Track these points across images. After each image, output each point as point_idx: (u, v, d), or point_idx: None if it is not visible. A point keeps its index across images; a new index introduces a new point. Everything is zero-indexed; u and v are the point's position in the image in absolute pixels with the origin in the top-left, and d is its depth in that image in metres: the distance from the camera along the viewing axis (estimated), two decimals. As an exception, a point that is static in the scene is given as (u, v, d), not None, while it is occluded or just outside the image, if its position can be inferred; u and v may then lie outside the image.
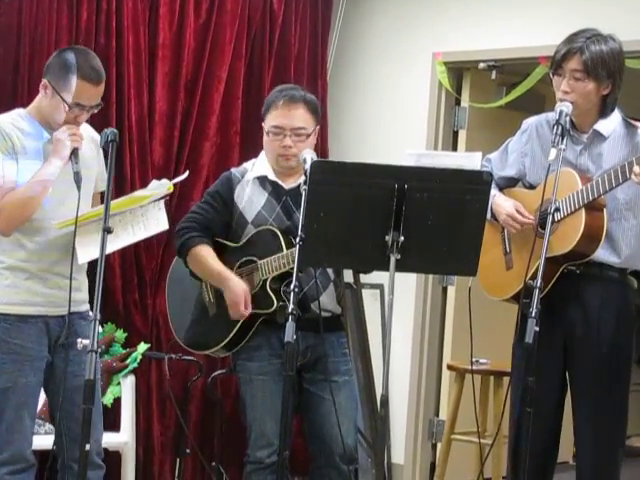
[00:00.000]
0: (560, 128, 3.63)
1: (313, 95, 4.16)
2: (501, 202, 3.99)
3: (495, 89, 6.17)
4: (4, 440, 3.72)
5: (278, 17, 6.03)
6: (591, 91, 3.79)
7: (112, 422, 5.09)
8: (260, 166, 4.12)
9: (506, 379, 4.82)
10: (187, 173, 4.10)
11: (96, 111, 3.80)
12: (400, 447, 6.21)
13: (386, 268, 3.38)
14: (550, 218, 3.53)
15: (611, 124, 3.86)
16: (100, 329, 5.09)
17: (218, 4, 5.77)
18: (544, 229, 3.57)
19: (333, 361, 4.06)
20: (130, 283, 5.51)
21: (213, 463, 5.53)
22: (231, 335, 4.06)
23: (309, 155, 3.80)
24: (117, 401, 5.21)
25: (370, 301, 6.29)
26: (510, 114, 5.96)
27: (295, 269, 3.49)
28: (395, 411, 6.14)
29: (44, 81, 3.74)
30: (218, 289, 4.13)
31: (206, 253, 4.05)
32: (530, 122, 4.07)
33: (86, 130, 3.84)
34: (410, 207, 3.36)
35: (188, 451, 5.49)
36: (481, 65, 6.01)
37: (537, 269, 3.49)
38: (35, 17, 5.13)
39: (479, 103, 6.12)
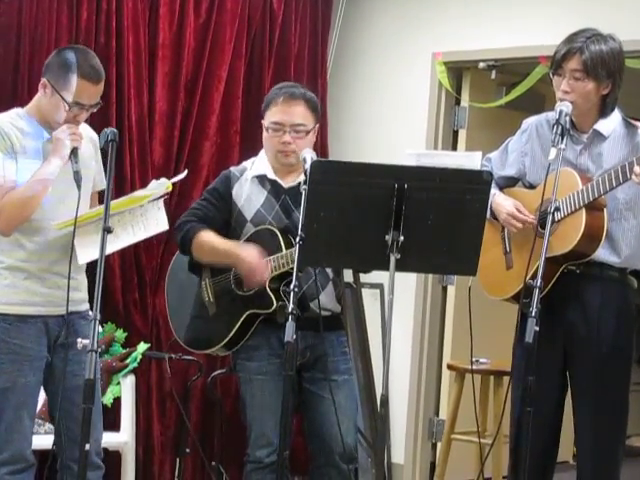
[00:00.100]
0: (560, 128, 3.63)
1: (313, 93, 4.16)
2: (501, 201, 3.99)
3: (495, 89, 6.17)
4: (4, 440, 3.71)
5: (278, 17, 6.03)
6: (591, 91, 3.79)
7: (112, 422, 5.09)
8: (259, 165, 4.13)
9: (506, 379, 4.82)
10: (186, 172, 4.09)
11: (95, 110, 3.80)
12: (400, 447, 6.21)
13: (386, 268, 3.38)
14: (550, 218, 3.53)
15: (611, 124, 3.86)
16: (100, 329, 5.08)
17: (218, 4, 5.77)
18: (544, 229, 3.57)
19: (333, 360, 4.06)
20: (130, 283, 5.51)
21: (213, 463, 5.54)
22: (231, 334, 4.07)
23: (309, 155, 3.80)
24: (117, 401, 5.21)
25: (370, 301, 6.29)
26: (510, 114, 5.96)
27: (295, 269, 3.49)
28: (395, 411, 6.14)
29: (43, 80, 3.74)
30: (217, 288, 4.14)
31: (209, 236, 4.05)
32: (530, 122, 4.07)
33: (84, 129, 3.84)
34: (410, 207, 3.36)
35: (188, 451, 5.49)
36: (481, 65, 6.01)
37: (537, 269, 3.49)
38: (35, 17, 5.13)
39: (479, 103, 6.12)
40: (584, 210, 3.75)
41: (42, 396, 3.92)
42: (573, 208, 3.77)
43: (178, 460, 5.51)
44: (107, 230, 3.36)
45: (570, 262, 3.83)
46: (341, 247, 3.48)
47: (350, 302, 6.02)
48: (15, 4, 5.10)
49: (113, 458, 5.01)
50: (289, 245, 3.95)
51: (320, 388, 4.04)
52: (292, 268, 3.63)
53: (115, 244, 3.75)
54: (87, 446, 3.21)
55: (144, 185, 4.34)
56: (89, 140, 3.85)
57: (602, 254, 3.81)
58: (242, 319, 4.05)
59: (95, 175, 3.91)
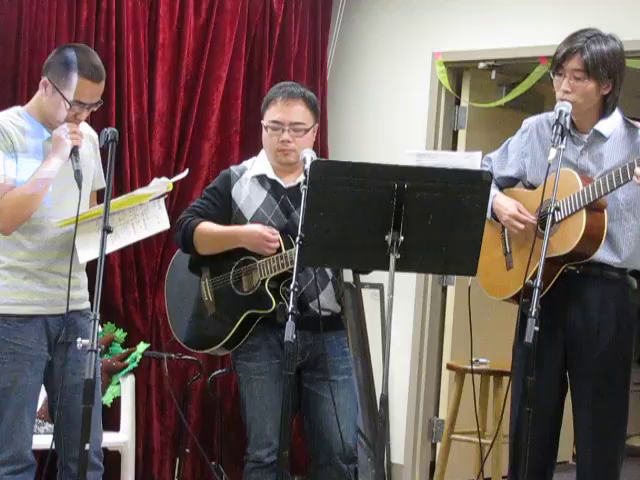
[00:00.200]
0: (560, 128, 3.63)
1: (313, 92, 4.17)
2: (502, 202, 3.99)
3: (495, 89, 6.18)
4: (4, 440, 3.71)
5: (278, 17, 6.03)
6: (591, 91, 3.79)
7: (112, 422, 5.09)
8: (260, 164, 4.13)
9: (506, 379, 4.83)
10: (187, 171, 4.09)
11: (96, 109, 3.80)
12: (400, 447, 6.21)
13: (386, 268, 3.38)
14: (550, 218, 3.53)
15: (612, 124, 3.86)
16: (100, 328, 5.08)
17: (218, 4, 5.77)
18: (544, 229, 3.57)
19: (332, 360, 4.05)
20: (130, 282, 5.52)
21: (213, 462, 5.54)
22: (230, 334, 4.07)
23: (309, 154, 3.80)
24: (117, 401, 5.21)
25: (370, 301, 6.29)
26: (510, 114, 5.97)
27: (295, 269, 3.49)
28: (395, 411, 6.14)
29: (44, 79, 3.73)
30: (217, 288, 4.13)
31: (209, 225, 4.05)
32: (530, 122, 4.07)
33: (84, 128, 3.83)
34: (410, 207, 3.35)
35: (188, 451, 5.49)
36: (481, 65, 6.01)
37: (537, 269, 3.49)
38: (35, 17, 5.13)
39: (479, 103, 6.12)
40: (585, 211, 3.75)
41: (42, 396, 3.92)
42: (574, 209, 3.77)
43: (178, 460, 5.51)
44: (107, 230, 3.36)
45: (570, 262, 3.83)
46: (341, 247, 3.47)
47: (350, 302, 6.02)
48: (15, 4, 5.10)
49: (113, 458, 5.01)
50: (289, 245, 3.95)
51: (320, 388, 4.04)
52: (291, 268, 3.62)
53: (116, 243, 3.75)
54: (87, 446, 3.20)
55: (143, 185, 4.34)
56: (89, 139, 3.85)
57: (602, 254, 3.81)
58: (241, 319, 4.05)
59: (95, 174, 3.91)
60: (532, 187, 4.01)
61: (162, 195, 3.83)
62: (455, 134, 6.27)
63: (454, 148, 6.23)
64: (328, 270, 4.07)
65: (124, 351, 5.32)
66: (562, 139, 3.61)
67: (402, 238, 3.36)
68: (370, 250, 3.44)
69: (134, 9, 5.47)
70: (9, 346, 3.71)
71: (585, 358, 3.85)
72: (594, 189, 3.73)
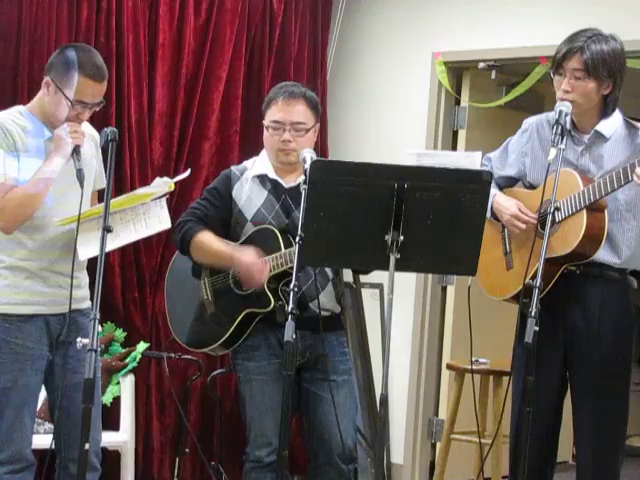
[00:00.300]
0: (560, 128, 3.63)
1: (314, 92, 4.17)
2: (503, 202, 3.98)
3: (495, 89, 6.17)
4: (4, 439, 3.71)
5: (278, 17, 6.03)
6: (592, 91, 3.79)
7: (111, 421, 5.09)
8: (260, 164, 4.13)
9: (506, 379, 4.82)
10: (189, 171, 4.09)
11: (98, 109, 3.80)
12: (400, 447, 6.21)
13: (386, 267, 3.38)
14: (550, 218, 3.53)
15: (612, 125, 3.86)
16: (100, 328, 5.08)
17: (218, 4, 5.77)
18: (544, 229, 3.57)
19: (332, 360, 4.06)
20: (130, 282, 5.52)
21: (212, 462, 5.53)
22: (228, 333, 4.07)
23: (309, 154, 3.80)
24: (116, 400, 5.21)
25: (370, 300, 6.29)
26: (510, 114, 5.97)
27: (295, 268, 3.49)
28: (395, 411, 6.14)
29: (46, 79, 3.73)
30: (216, 287, 4.14)
31: (208, 238, 4.05)
32: (531, 122, 4.06)
33: (86, 128, 3.83)
34: (410, 206, 3.35)
35: (187, 450, 5.49)
36: (481, 65, 6.01)
37: (537, 269, 3.49)
38: (35, 16, 5.13)
39: (479, 103, 6.12)
40: (585, 211, 3.75)
41: (42, 395, 3.92)
42: (574, 209, 3.77)
43: (177, 459, 5.51)
44: (107, 229, 3.36)
45: (570, 263, 3.83)
46: (341, 247, 3.47)
47: (350, 302, 6.02)
48: (15, 3, 5.10)
49: (112, 457, 5.01)
50: (288, 245, 3.95)
51: (320, 388, 4.04)
52: (291, 267, 3.62)
53: (116, 241, 3.75)
54: (87, 445, 3.20)
55: (143, 184, 4.34)
56: (90, 138, 3.85)
57: (602, 255, 3.81)
58: (240, 318, 4.05)
59: (96, 174, 3.91)
60: (532, 187, 4.01)
61: (164, 195, 3.83)
62: (455, 134, 6.27)
63: (454, 148, 6.23)
64: (328, 270, 4.07)
65: (124, 351, 5.32)
66: (562, 139, 3.61)
67: (402, 238, 3.35)
68: (370, 250, 3.44)
69: (134, 9, 5.47)
70: (10, 346, 3.71)
71: (585, 358, 3.85)
72: (594, 189, 3.73)
